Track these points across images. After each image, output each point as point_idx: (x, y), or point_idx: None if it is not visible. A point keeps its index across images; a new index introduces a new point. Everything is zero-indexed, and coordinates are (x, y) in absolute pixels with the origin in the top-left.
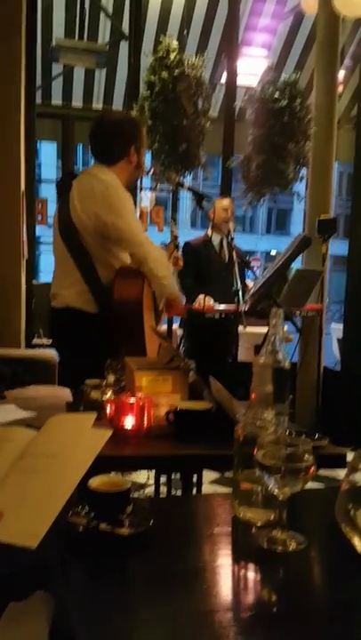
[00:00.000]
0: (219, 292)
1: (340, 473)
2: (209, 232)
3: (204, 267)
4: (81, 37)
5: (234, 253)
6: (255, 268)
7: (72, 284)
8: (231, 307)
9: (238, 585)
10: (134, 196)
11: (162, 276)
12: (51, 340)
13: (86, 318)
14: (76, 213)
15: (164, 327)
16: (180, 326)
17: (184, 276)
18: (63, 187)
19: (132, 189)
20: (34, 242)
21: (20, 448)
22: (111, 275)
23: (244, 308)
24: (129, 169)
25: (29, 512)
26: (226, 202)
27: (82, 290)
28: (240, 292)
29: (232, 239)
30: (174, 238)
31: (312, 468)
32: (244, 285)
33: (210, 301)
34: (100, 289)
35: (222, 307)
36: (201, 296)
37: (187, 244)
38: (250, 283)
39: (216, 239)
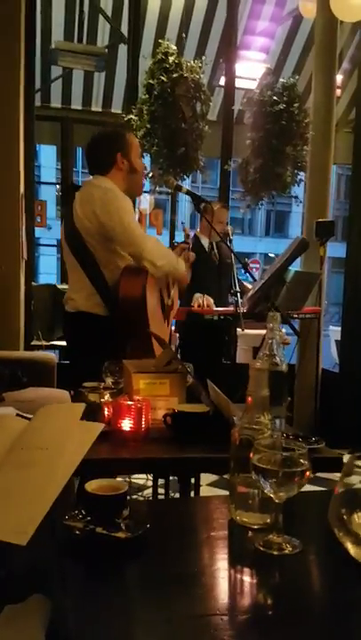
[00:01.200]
0: (210, 293)
1: (337, 476)
2: (198, 234)
3: (194, 268)
4: (80, 40)
5: (233, 256)
6: (253, 271)
7: (81, 288)
8: (229, 308)
9: (234, 588)
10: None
11: (160, 265)
12: (50, 342)
13: (97, 321)
14: (78, 219)
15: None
16: (175, 329)
17: None
18: (67, 197)
19: None
20: (33, 243)
21: (10, 437)
22: (117, 275)
23: (242, 309)
24: (122, 175)
25: (19, 508)
26: (224, 215)
27: (90, 293)
28: (238, 294)
29: (231, 241)
30: (187, 237)
31: (308, 472)
32: (242, 287)
33: (209, 300)
34: (107, 290)
35: (220, 308)
36: (198, 294)
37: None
38: (248, 285)
39: (205, 242)
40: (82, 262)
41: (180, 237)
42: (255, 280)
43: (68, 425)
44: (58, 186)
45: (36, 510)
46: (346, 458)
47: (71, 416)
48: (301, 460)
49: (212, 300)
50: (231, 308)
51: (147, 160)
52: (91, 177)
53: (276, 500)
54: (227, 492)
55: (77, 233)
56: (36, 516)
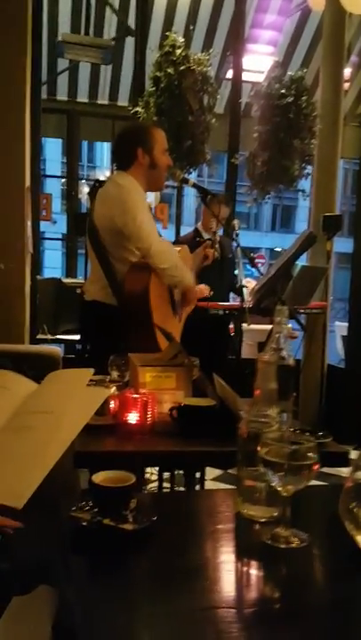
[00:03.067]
0: (211, 289)
1: (343, 471)
2: (199, 228)
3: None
4: (87, 33)
5: (239, 250)
6: (259, 265)
7: (97, 280)
8: (235, 303)
9: (241, 581)
10: None
11: (165, 268)
12: (79, 334)
13: (109, 310)
14: (96, 215)
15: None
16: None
17: None
18: (93, 193)
19: None
20: (38, 237)
21: (16, 398)
22: (126, 270)
23: (248, 304)
24: (142, 170)
25: (17, 471)
26: (223, 212)
27: (103, 284)
28: (243, 289)
29: (237, 235)
30: (213, 234)
31: (316, 466)
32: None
33: (205, 288)
34: (116, 283)
35: (225, 303)
36: (201, 286)
37: (176, 240)
38: (250, 281)
39: (206, 236)
40: (98, 256)
41: (185, 232)
42: (261, 274)
43: (75, 389)
44: (63, 179)
45: (33, 474)
46: (353, 454)
47: (78, 381)
48: (310, 454)
49: (207, 289)
50: (236, 303)
51: (165, 138)
52: (114, 172)
53: (284, 494)
54: (232, 487)
55: (95, 228)
56: (33, 481)
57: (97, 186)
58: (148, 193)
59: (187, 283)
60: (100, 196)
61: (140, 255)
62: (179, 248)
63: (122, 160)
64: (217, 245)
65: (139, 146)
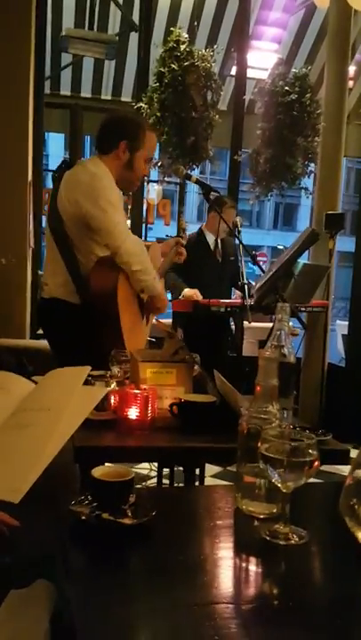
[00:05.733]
0: (210, 291)
1: (342, 469)
2: (204, 229)
3: (195, 264)
4: (91, 27)
5: (240, 250)
6: (261, 264)
7: (57, 274)
8: (236, 300)
9: (240, 577)
10: (141, 188)
11: (136, 271)
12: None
13: (70, 309)
14: (61, 201)
15: (168, 320)
16: (173, 321)
17: (168, 270)
18: (59, 177)
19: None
20: (40, 232)
21: (15, 399)
22: (92, 264)
23: (249, 302)
24: (117, 165)
25: (14, 466)
26: (230, 215)
27: (65, 280)
28: (246, 287)
29: (239, 232)
30: (182, 231)
31: (316, 463)
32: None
33: (197, 294)
34: (80, 279)
35: (227, 300)
36: (189, 291)
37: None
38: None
39: (210, 238)
40: (60, 246)
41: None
42: (263, 272)
43: (72, 387)
44: None
45: (30, 470)
46: (353, 452)
47: (75, 379)
48: (310, 450)
49: (197, 295)
50: (238, 300)
51: (156, 149)
52: (87, 157)
53: (284, 490)
54: (229, 483)
55: (59, 215)
56: (30, 476)
57: (63, 167)
58: (150, 189)
59: (155, 289)
60: (67, 180)
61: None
62: (149, 244)
63: (102, 143)
64: (219, 248)
65: (125, 138)
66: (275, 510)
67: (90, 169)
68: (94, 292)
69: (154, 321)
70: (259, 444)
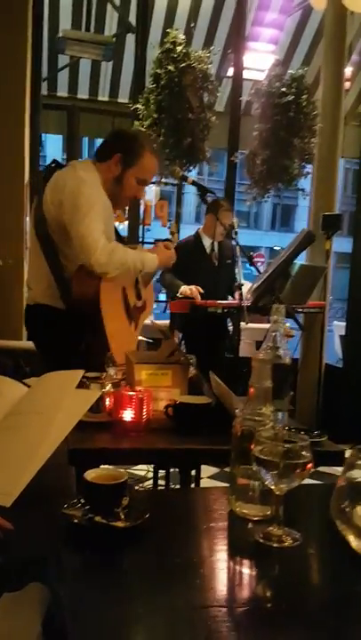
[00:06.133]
0: (206, 295)
1: (339, 470)
2: (201, 232)
3: (191, 267)
4: (87, 29)
5: (237, 251)
6: (258, 265)
7: (41, 279)
8: (233, 301)
9: (233, 580)
10: None
11: (116, 276)
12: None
13: (56, 315)
14: (46, 202)
15: (165, 322)
16: (170, 322)
17: (164, 271)
18: (47, 177)
19: None
20: None
21: (7, 402)
22: (75, 268)
23: (246, 303)
24: (107, 176)
25: (5, 470)
26: (227, 218)
27: (49, 284)
28: (241, 287)
29: (236, 233)
30: (172, 235)
31: (309, 465)
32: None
33: (192, 289)
34: (64, 283)
35: (224, 301)
36: (187, 288)
37: (177, 247)
38: (247, 284)
39: (207, 241)
40: (44, 250)
41: (184, 232)
42: (260, 273)
43: (65, 391)
44: None
45: (22, 473)
46: (348, 452)
47: (68, 382)
48: (303, 453)
49: (199, 290)
50: (235, 301)
51: (153, 173)
52: (79, 160)
53: (277, 493)
54: (226, 485)
55: (44, 217)
56: (22, 479)
57: (53, 167)
58: (147, 190)
59: (150, 266)
60: (54, 181)
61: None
62: (134, 247)
63: (100, 151)
64: (215, 252)
65: (120, 151)
66: (268, 512)
67: (79, 173)
68: (77, 299)
69: (149, 322)
70: (252, 446)
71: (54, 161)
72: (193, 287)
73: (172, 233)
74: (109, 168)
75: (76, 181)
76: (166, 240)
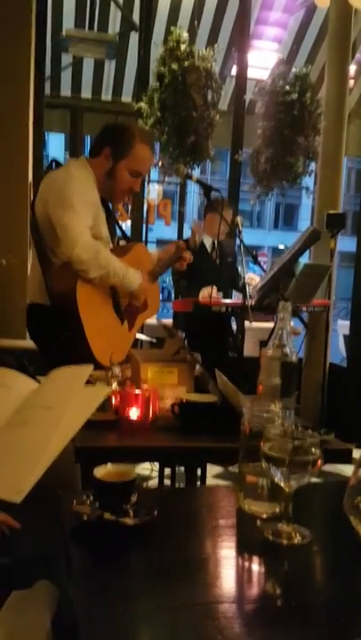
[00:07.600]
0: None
1: (344, 469)
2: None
3: (193, 266)
4: (91, 28)
5: (240, 249)
6: (262, 263)
7: (35, 277)
8: (238, 300)
9: (242, 577)
10: (141, 188)
11: (95, 277)
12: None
13: (47, 313)
14: (37, 200)
15: (169, 320)
16: (174, 321)
17: (178, 278)
18: (43, 177)
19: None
20: None
21: (17, 397)
22: None
23: (250, 302)
24: (100, 172)
25: (16, 466)
26: (228, 216)
27: (40, 283)
28: (246, 286)
29: (240, 232)
30: (193, 234)
31: (319, 462)
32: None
33: (215, 292)
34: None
35: (228, 300)
36: (207, 289)
37: None
38: (255, 277)
39: (208, 241)
40: (36, 248)
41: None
42: (264, 272)
43: (75, 386)
44: None
45: (33, 470)
46: (356, 452)
47: (78, 377)
48: (313, 449)
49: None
50: (239, 300)
51: (156, 148)
52: (74, 159)
53: (286, 490)
54: (232, 483)
55: (34, 215)
56: (32, 476)
57: (53, 167)
58: (151, 189)
59: (130, 285)
60: (45, 179)
61: None
62: (132, 245)
63: (92, 147)
64: (216, 250)
65: (109, 145)
66: (277, 510)
67: (70, 170)
68: (54, 295)
69: (154, 321)
70: (261, 444)
71: (54, 161)
72: (208, 289)
73: (193, 232)
74: (101, 163)
75: (65, 176)
76: (185, 240)
